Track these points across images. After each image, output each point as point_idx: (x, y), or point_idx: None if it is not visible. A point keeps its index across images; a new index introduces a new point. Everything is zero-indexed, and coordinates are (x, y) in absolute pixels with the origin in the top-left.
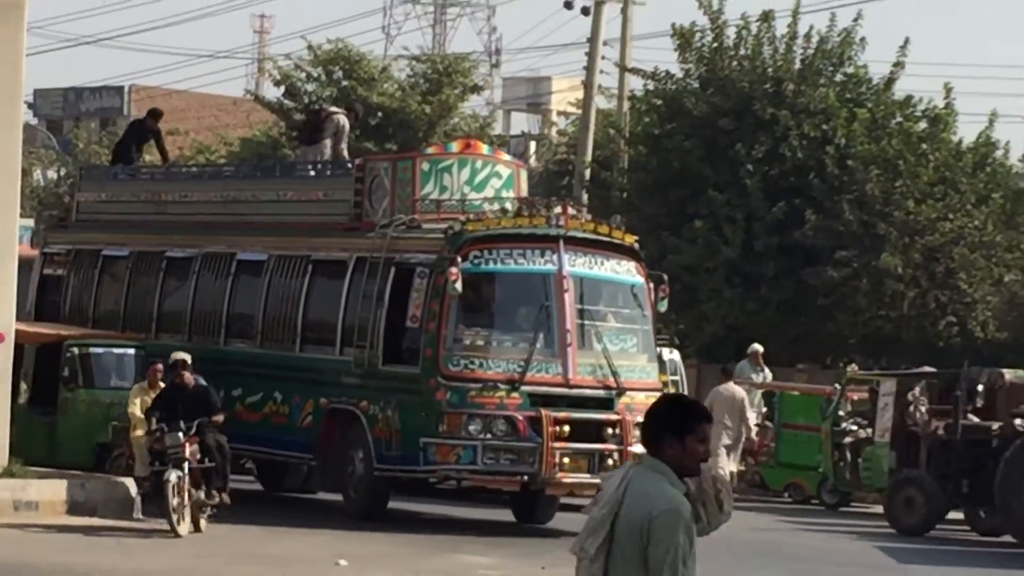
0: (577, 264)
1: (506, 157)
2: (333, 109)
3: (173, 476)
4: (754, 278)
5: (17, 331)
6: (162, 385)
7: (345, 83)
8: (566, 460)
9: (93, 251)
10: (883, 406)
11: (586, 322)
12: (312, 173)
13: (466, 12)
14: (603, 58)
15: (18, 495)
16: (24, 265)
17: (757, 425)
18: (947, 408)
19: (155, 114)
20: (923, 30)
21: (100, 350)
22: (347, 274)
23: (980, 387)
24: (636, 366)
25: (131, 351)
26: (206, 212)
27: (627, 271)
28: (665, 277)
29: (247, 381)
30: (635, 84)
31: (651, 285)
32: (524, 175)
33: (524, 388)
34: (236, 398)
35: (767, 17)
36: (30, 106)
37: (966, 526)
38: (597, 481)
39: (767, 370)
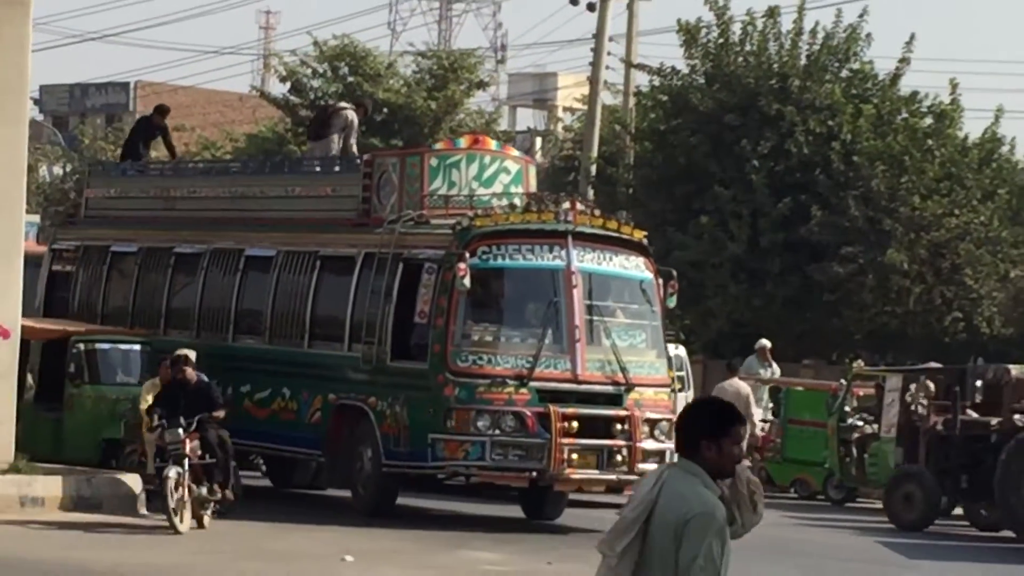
0: (586, 260)
1: (515, 153)
2: (342, 104)
3: (172, 472)
4: (760, 274)
5: (23, 327)
6: None
7: (351, 79)
8: (575, 456)
9: (102, 247)
10: (889, 402)
11: (595, 318)
12: (320, 169)
13: (472, 8)
14: (609, 54)
15: (24, 491)
16: (30, 261)
17: (764, 421)
18: (949, 404)
19: (162, 110)
20: (929, 26)
21: (106, 346)
22: (355, 270)
23: (979, 383)
24: (645, 362)
25: (137, 347)
26: (214, 208)
27: (636, 267)
28: (674, 273)
29: (255, 377)
30: (641, 80)
31: (660, 281)
32: (533, 171)
33: (533, 384)
34: (244, 394)
35: (773, 13)
36: (36, 102)
37: (965, 521)
38: (606, 477)
39: (775, 366)
